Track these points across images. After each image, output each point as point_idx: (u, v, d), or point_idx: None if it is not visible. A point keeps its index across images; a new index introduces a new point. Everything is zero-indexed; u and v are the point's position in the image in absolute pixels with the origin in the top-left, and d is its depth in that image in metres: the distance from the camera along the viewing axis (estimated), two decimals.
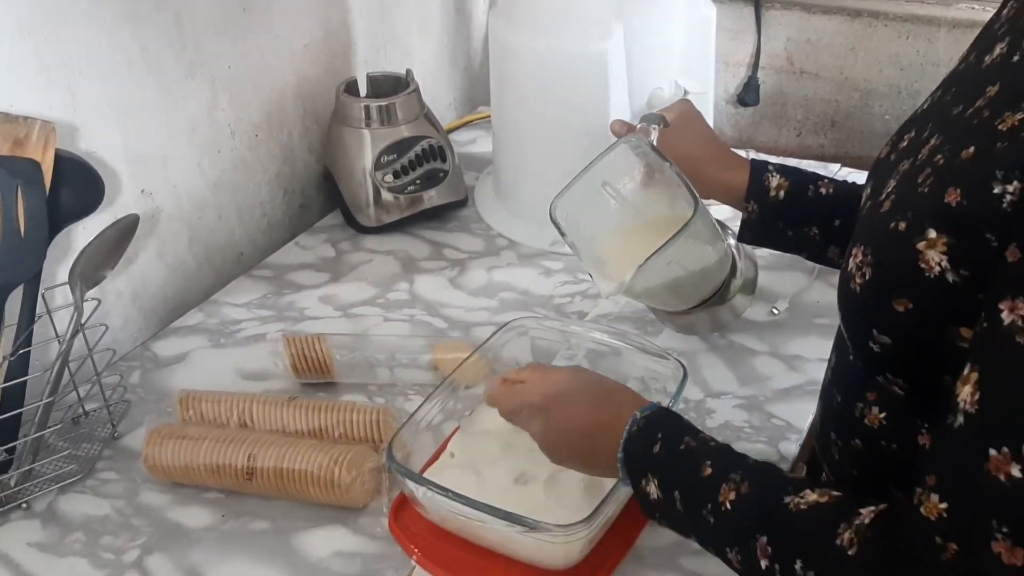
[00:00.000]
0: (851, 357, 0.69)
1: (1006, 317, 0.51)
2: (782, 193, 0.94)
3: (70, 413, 1.00)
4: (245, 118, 1.27)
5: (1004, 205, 0.52)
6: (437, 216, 1.37)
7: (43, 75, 0.98)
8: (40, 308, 0.95)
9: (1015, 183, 0.52)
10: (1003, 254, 0.52)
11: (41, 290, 0.95)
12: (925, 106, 0.71)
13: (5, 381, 0.91)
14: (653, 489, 0.68)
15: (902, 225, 0.59)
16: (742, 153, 1.52)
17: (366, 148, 1.31)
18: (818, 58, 1.55)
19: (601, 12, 1.21)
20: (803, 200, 0.94)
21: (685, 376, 0.89)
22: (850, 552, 0.56)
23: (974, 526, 0.51)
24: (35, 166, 0.92)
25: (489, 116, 1.46)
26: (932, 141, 0.63)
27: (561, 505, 0.80)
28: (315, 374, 1.04)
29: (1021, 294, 0.50)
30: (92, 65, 1.03)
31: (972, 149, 0.57)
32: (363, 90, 1.39)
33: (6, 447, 0.91)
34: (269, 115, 1.31)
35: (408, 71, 1.36)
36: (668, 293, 0.99)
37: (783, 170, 0.96)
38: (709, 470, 0.66)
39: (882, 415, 0.67)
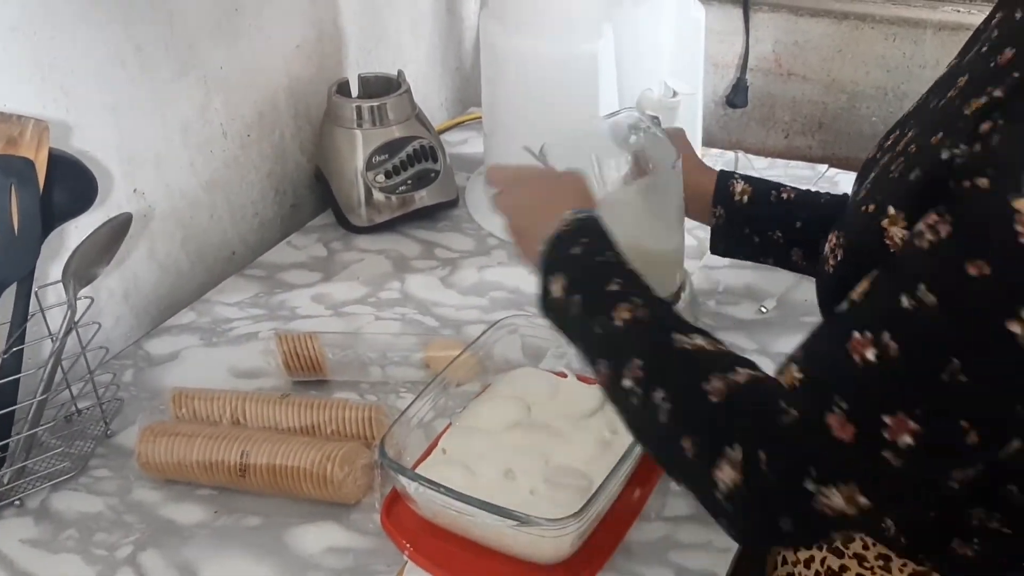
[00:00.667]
0: None
1: (919, 226, 0.54)
2: (746, 198, 0.99)
3: (63, 411, 1.01)
4: (237, 118, 1.27)
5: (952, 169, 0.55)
6: (428, 216, 1.38)
7: (36, 74, 0.99)
8: (33, 306, 0.95)
9: (962, 146, 0.54)
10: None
11: (34, 288, 0.95)
12: (910, 109, 0.74)
13: None
14: (557, 288, 0.71)
15: (871, 207, 0.63)
16: (730, 155, 1.55)
17: (358, 148, 1.32)
18: (806, 60, 1.57)
19: (591, 13, 1.22)
20: (766, 204, 0.98)
21: None
22: (712, 399, 0.58)
23: (818, 396, 0.54)
24: (29, 165, 0.93)
25: (480, 117, 1.47)
26: (909, 134, 0.67)
27: (551, 500, 0.81)
28: (307, 372, 1.04)
29: (935, 211, 0.53)
30: (85, 64, 1.04)
31: (940, 134, 0.59)
32: (355, 91, 1.39)
33: None
34: (261, 115, 1.31)
35: (399, 72, 1.37)
36: None
37: (746, 178, 1.01)
38: (616, 287, 0.68)
39: None
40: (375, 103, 1.31)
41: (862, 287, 0.56)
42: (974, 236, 0.50)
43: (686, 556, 0.83)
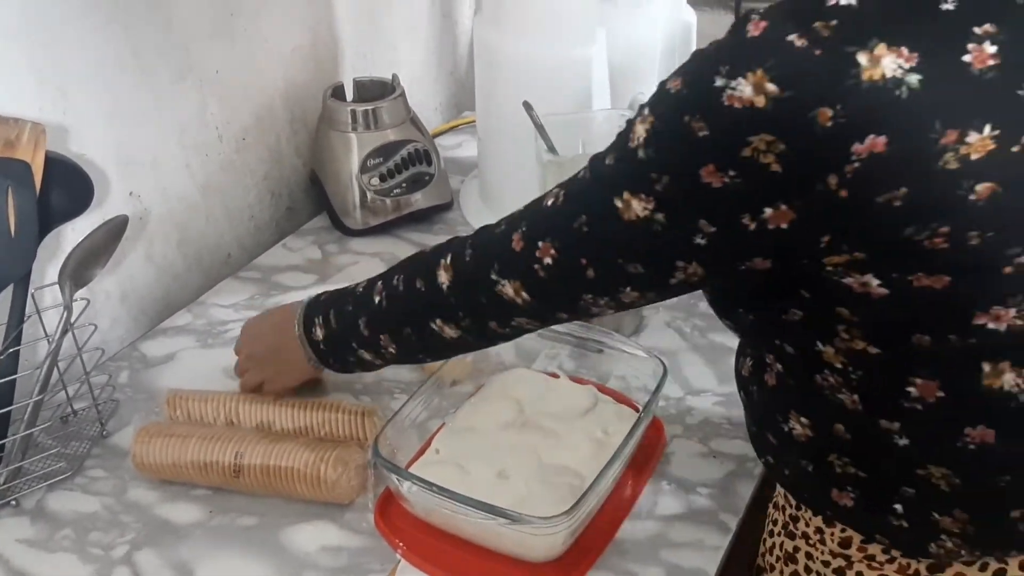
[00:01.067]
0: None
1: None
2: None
3: (59, 412, 1.01)
4: (234, 121, 1.28)
5: None
6: (423, 219, 1.39)
7: (34, 77, 1.00)
8: (30, 308, 0.96)
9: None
10: None
11: (31, 290, 0.96)
12: None
13: None
14: (319, 330, 0.89)
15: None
16: None
17: (352, 152, 1.33)
18: None
19: (584, 18, 1.23)
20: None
21: (665, 374, 0.91)
22: (432, 257, 0.80)
23: (515, 221, 0.73)
24: (25, 167, 0.94)
25: (474, 121, 1.47)
26: None
27: (544, 499, 0.82)
28: None
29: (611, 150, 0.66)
30: (82, 68, 1.04)
31: None
32: (350, 94, 1.40)
33: None
34: (257, 119, 1.32)
35: (394, 76, 1.38)
36: None
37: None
38: (360, 288, 0.87)
39: (750, 363, 0.78)
40: (370, 107, 1.32)
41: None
42: (616, 141, 0.65)
43: (677, 554, 0.84)
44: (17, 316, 0.95)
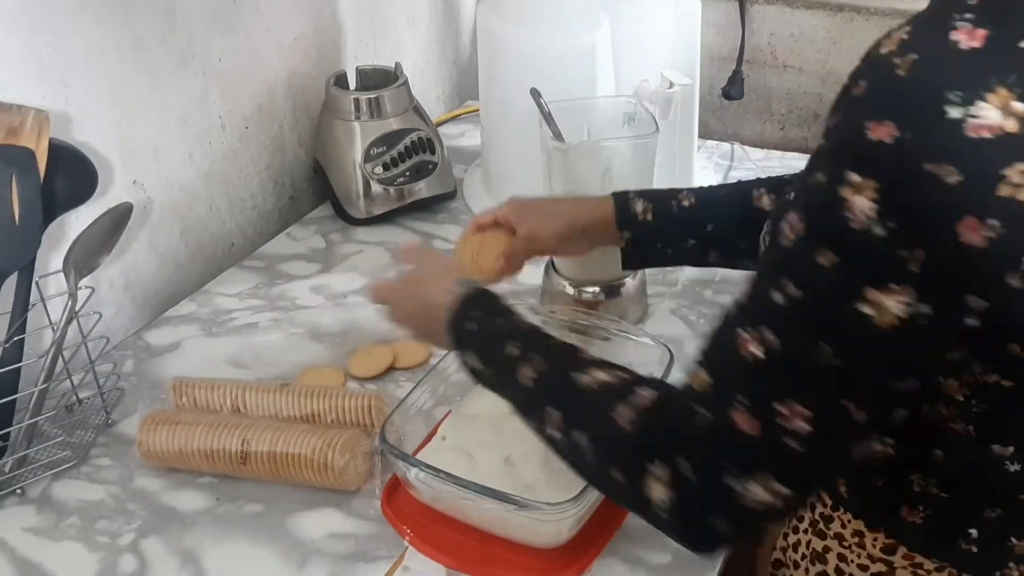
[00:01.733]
0: None
1: (781, 226, 0.56)
2: (650, 215, 0.95)
3: (64, 400, 1.01)
4: (236, 110, 1.28)
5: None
6: (426, 208, 1.38)
7: (36, 65, 0.99)
8: (34, 296, 0.96)
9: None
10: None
11: (35, 278, 0.96)
12: None
13: None
14: (474, 361, 0.77)
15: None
16: (727, 146, 1.56)
17: (356, 140, 1.32)
18: (801, 52, 1.57)
19: (588, 5, 1.23)
20: (671, 217, 0.96)
21: (671, 361, 0.91)
22: (627, 428, 0.62)
23: (723, 397, 0.57)
24: (29, 154, 0.93)
25: (477, 110, 1.47)
26: None
27: (550, 484, 0.82)
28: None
29: (793, 208, 0.55)
30: (85, 56, 1.04)
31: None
32: (352, 83, 1.40)
33: (0, 433, 0.92)
34: (260, 107, 1.32)
35: (397, 64, 1.38)
36: None
37: (643, 194, 0.97)
38: (513, 350, 0.73)
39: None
40: (373, 95, 1.32)
41: (744, 288, 0.59)
42: (819, 228, 0.53)
43: None
44: (21, 304, 0.95)
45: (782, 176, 0.96)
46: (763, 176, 0.97)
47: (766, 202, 0.91)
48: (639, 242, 0.96)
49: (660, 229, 0.95)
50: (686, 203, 0.95)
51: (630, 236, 0.96)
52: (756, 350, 0.55)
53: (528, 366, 0.71)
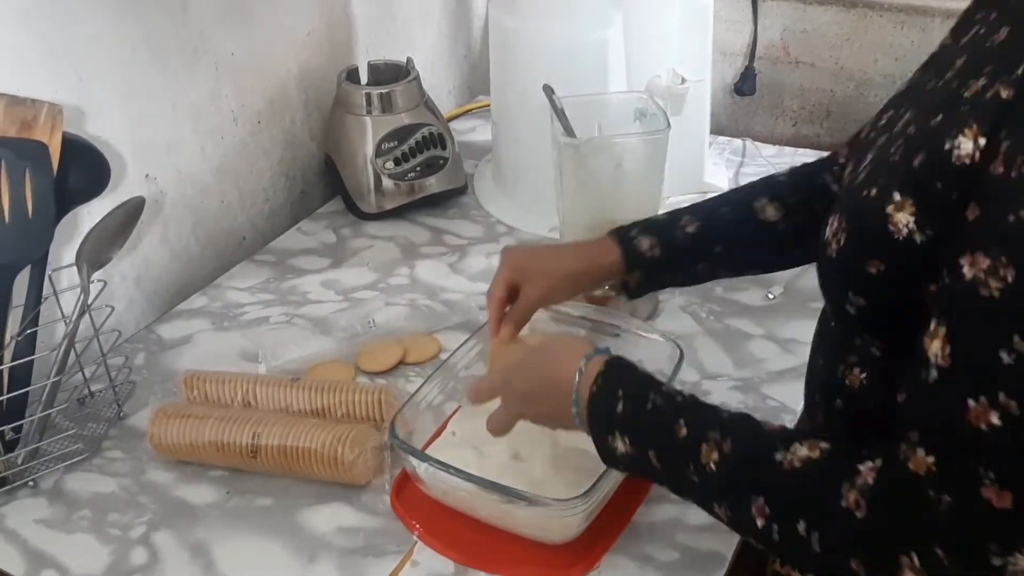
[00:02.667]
0: (832, 323, 0.72)
1: (967, 272, 0.53)
2: (657, 250, 0.91)
3: (76, 393, 1.02)
4: (248, 104, 1.28)
5: (954, 160, 0.56)
6: (437, 203, 1.38)
7: (49, 59, 1.00)
8: (47, 289, 0.96)
9: (964, 138, 0.55)
10: (964, 211, 0.55)
11: (48, 271, 0.96)
12: (904, 88, 0.73)
13: (12, 361, 0.92)
14: (621, 445, 0.70)
15: (873, 192, 0.62)
16: (738, 142, 1.55)
17: (367, 135, 1.32)
18: (814, 48, 1.56)
19: (600, 0, 1.22)
20: (678, 246, 0.92)
21: (681, 358, 0.90)
22: (858, 515, 0.57)
23: (963, 475, 0.53)
24: (43, 148, 0.94)
25: (488, 105, 1.47)
26: (906, 116, 0.66)
27: (560, 480, 0.82)
28: None
29: (980, 249, 0.53)
30: (98, 50, 1.04)
31: (940, 117, 0.60)
32: (364, 78, 1.40)
33: (13, 426, 0.92)
34: (271, 102, 1.32)
35: (408, 59, 1.38)
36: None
37: (645, 229, 0.93)
38: (684, 430, 0.66)
39: (863, 375, 0.68)
40: (384, 90, 1.32)
41: (939, 346, 0.55)
42: None
43: (693, 537, 0.84)
44: (34, 298, 0.95)
45: (774, 176, 0.94)
46: (772, 171, 0.96)
47: (771, 213, 0.89)
48: (650, 278, 0.93)
49: (669, 261, 0.92)
50: (690, 229, 0.91)
51: (640, 275, 0.92)
52: (992, 419, 0.51)
53: (709, 448, 0.65)
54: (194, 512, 0.89)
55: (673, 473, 0.68)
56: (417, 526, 0.85)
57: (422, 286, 1.22)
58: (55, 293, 0.97)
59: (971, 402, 0.52)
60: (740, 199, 0.93)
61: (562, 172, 1.06)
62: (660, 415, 0.68)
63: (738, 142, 1.55)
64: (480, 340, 0.96)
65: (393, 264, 1.27)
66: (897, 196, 0.60)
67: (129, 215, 1.02)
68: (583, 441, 0.87)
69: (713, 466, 0.64)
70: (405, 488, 0.88)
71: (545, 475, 0.84)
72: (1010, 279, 0.51)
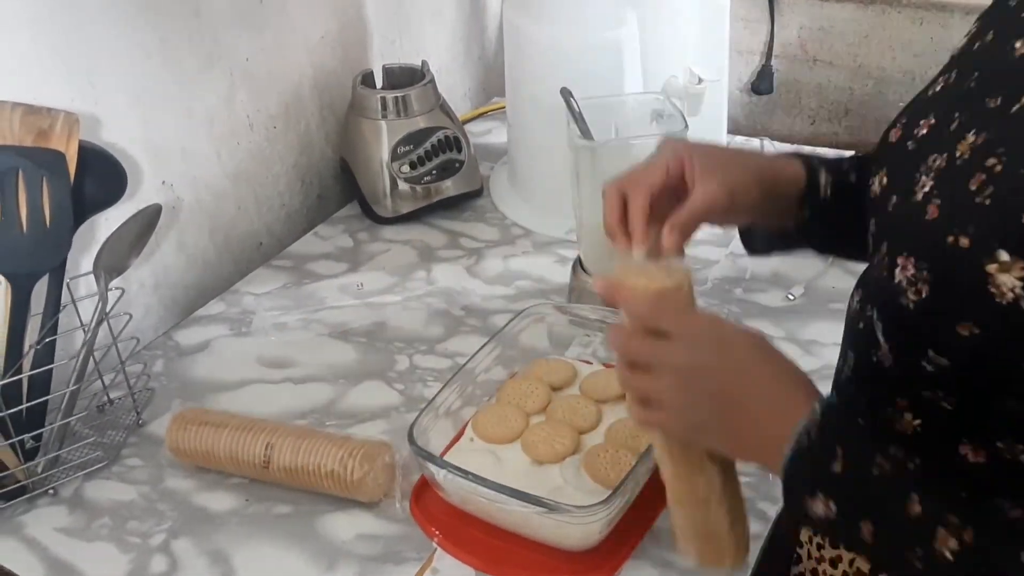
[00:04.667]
0: (881, 362, 0.64)
1: None
2: (830, 190, 0.76)
3: (95, 401, 1.02)
4: (263, 109, 1.28)
5: None
6: (453, 206, 1.38)
7: (64, 68, 1.00)
8: (65, 297, 0.96)
9: None
10: None
11: (66, 279, 0.96)
12: (938, 88, 0.66)
13: (31, 369, 0.92)
14: (822, 508, 0.58)
15: (964, 241, 0.54)
16: (756, 142, 1.54)
17: (383, 139, 1.32)
18: (832, 46, 1.55)
19: (615, 1, 1.21)
20: (851, 192, 0.75)
21: None
22: None
23: None
24: (60, 157, 0.94)
25: (503, 107, 1.47)
26: (971, 138, 0.58)
27: (580, 487, 0.81)
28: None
29: None
30: (112, 58, 1.05)
31: None
32: (379, 82, 1.40)
33: (33, 434, 0.93)
34: (286, 106, 1.32)
35: (423, 62, 1.37)
36: None
37: (823, 162, 0.78)
38: (918, 507, 0.55)
39: (916, 423, 0.62)
40: (399, 94, 1.32)
41: None
42: None
43: None
44: (53, 306, 0.95)
45: (837, 159, 0.80)
46: None
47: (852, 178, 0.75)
48: (812, 222, 0.76)
49: (837, 209, 0.75)
50: (852, 178, 0.75)
51: (807, 215, 0.76)
52: None
53: (946, 532, 0.54)
54: (213, 520, 0.89)
55: (891, 552, 0.58)
56: (436, 533, 0.84)
57: (439, 289, 1.22)
58: (73, 301, 0.97)
59: None
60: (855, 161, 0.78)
61: (579, 175, 1.06)
62: (889, 483, 0.57)
63: (756, 142, 1.54)
64: (499, 344, 0.95)
65: (410, 268, 1.27)
66: (1004, 256, 0.52)
67: (146, 223, 1.03)
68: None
69: (949, 555, 0.54)
70: (424, 494, 0.88)
71: (564, 481, 0.83)
72: None
